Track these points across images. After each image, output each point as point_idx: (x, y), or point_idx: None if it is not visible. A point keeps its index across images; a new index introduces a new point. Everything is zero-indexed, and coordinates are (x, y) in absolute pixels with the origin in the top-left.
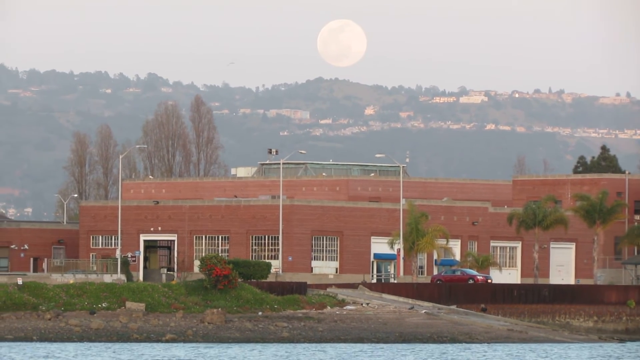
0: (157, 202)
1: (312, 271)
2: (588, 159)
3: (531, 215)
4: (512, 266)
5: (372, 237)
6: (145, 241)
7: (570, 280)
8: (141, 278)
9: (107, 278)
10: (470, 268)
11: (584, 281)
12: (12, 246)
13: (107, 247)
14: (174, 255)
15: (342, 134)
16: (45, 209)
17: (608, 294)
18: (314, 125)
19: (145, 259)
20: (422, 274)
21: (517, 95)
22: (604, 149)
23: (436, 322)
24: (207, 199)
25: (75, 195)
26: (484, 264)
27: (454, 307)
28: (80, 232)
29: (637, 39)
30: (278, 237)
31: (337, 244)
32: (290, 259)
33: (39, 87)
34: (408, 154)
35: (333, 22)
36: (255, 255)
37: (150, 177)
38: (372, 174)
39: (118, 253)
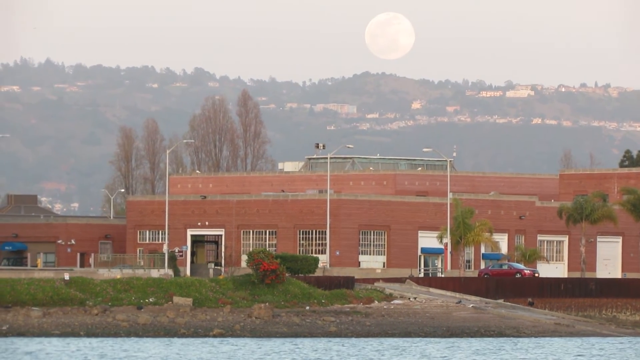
0: (205, 197)
1: (359, 265)
2: (634, 153)
3: (579, 210)
4: (559, 260)
5: (419, 231)
6: (192, 236)
7: (617, 274)
8: (188, 273)
9: (154, 273)
10: (517, 262)
11: (630, 275)
12: (59, 241)
13: (154, 242)
14: (221, 250)
15: (389, 128)
16: (91, 203)
17: None
18: (361, 119)
19: (193, 253)
20: (469, 268)
21: (563, 90)
22: None
23: (484, 316)
24: (255, 193)
25: (122, 190)
26: (531, 258)
27: (501, 301)
28: (127, 227)
29: None
30: (325, 231)
31: (384, 238)
32: (337, 253)
33: (85, 81)
34: (455, 148)
35: (381, 15)
36: (302, 250)
37: (197, 171)
38: (419, 168)
39: (165, 248)
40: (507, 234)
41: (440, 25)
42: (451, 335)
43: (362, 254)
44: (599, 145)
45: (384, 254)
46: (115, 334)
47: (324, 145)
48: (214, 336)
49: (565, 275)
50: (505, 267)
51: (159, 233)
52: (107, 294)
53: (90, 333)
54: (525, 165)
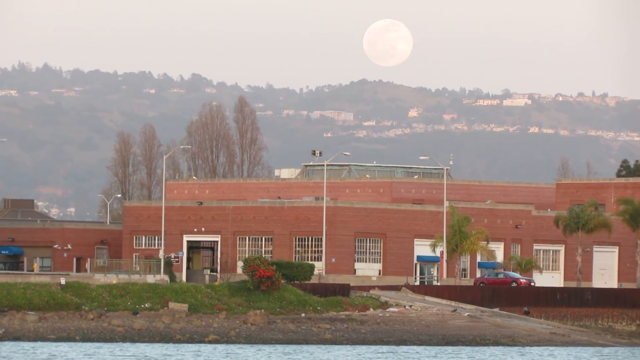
0: (201, 203)
1: (355, 273)
2: (631, 163)
3: (575, 219)
4: (555, 269)
5: (415, 239)
6: (188, 242)
7: (613, 284)
8: (184, 279)
9: (150, 278)
10: (513, 271)
11: (626, 285)
12: (55, 246)
13: (150, 248)
14: (217, 256)
15: (385, 135)
16: (88, 209)
17: None
18: (358, 127)
19: (189, 259)
20: (465, 277)
21: (560, 99)
22: None
23: (479, 324)
24: (251, 200)
25: (119, 196)
26: (527, 267)
27: (496, 309)
28: (124, 232)
29: None
30: (321, 238)
31: (380, 246)
32: (333, 260)
33: (83, 86)
34: (451, 156)
35: (379, 22)
36: (298, 257)
37: (194, 177)
38: (416, 176)
39: (161, 253)
40: (503, 243)
41: (438, 33)
42: (446, 344)
43: (357, 261)
44: (596, 155)
45: (380, 262)
46: (111, 339)
47: (320, 152)
48: (209, 342)
49: (561, 285)
50: (501, 275)
51: (155, 239)
52: (103, 299)
53: (86, 338)
54: (521, 174)
